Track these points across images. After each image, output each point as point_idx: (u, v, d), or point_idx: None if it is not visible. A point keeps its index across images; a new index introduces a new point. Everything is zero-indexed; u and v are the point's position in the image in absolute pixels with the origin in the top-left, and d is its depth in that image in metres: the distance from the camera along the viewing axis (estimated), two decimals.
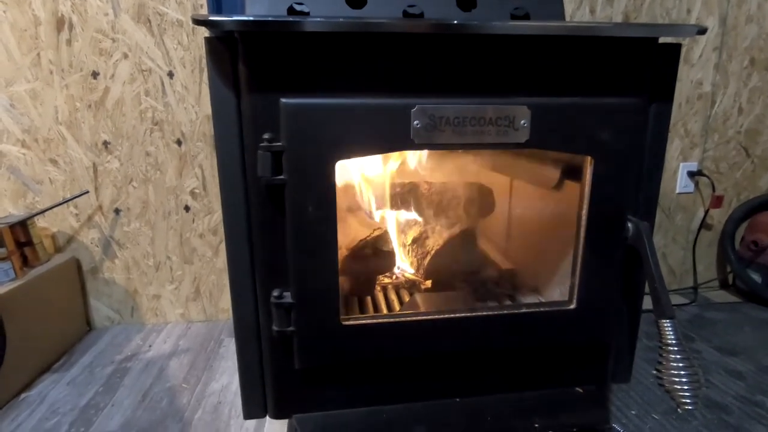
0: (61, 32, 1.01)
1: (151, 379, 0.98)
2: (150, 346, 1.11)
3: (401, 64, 0.55)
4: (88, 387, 0.96)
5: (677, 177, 1.32)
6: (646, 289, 0.65)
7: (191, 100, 1.08)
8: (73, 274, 1.12)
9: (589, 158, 0.61)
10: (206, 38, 0.53)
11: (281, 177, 0.54)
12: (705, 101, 1.27)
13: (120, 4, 1.01)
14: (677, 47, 0.61)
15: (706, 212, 1.35)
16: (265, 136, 0.53)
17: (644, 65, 0.60)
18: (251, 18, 0.50)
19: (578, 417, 0.66)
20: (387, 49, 0.54)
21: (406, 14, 0.69)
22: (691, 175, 1.31)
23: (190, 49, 1.06)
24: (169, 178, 1.12)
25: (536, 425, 0.63)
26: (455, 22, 0.53)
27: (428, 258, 0.78)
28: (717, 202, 1.33)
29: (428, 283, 0.81)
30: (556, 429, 0.63)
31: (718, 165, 1.33)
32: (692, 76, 1.25)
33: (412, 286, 0.82)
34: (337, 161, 0.55)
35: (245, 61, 0.52)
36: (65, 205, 1.10)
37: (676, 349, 0.55)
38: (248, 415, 0.65)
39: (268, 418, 0.83)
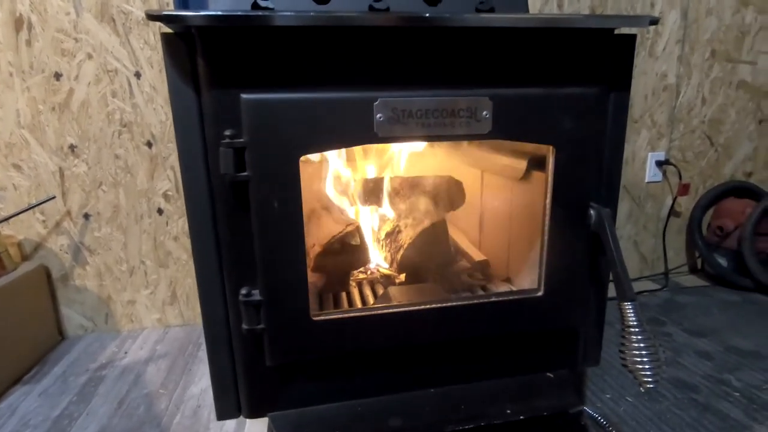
0: (20, 32, 0.98)
1: (127, 386, 0.96)
2: (126, 352, 1.09)
3: (364, 57, 0.55)
4: (61, 397, 0.93)
5: (646, 167, 1.36)
6: None
7: (160, 101, 1.06)
8: (42, 283, 1.09)
9: (551, 148, 0.62)
10: (163, 34, 0.52)
11: (245, 173, 0.54)
12: (670, 92, 1.31)
13: (82, 3, 0.99)
14: (633, 37, 0.63)
15: (674, 200, 1.39)
16: (227, 132, 0.53)
17: (602, 55, 0.62)
18: (212, 13, 0.49)
19: (549, 401, 0.67)
20: (350, 44, 0.54)
21: (372, 9, 0.69)
22: (659, 164, 1.35)
23: (157, 49, 1.04)
24: (140, 181, 1.10)
25: (508, 411, 0.64)
26: (427, 15, 0.54)
27: (401, 252, 0.78)
28: (684, 190, 1.38)
29: (402, 277, 0.82)
30: (528, 413, 0.64)
31: (684, 154, 1.38)
32: (657, 68, 1.29)
33: (386, 280, 0.83)
34: (300, 156, 0.54)
35: (204, 57, 0.52)
36: (31, 211, 1.06)
37: (637, 330, 0.57)
38: (221, 415, 0.64)
39: (247, 419, 0.82)
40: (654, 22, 0.59)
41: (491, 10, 0.74)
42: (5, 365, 0.97)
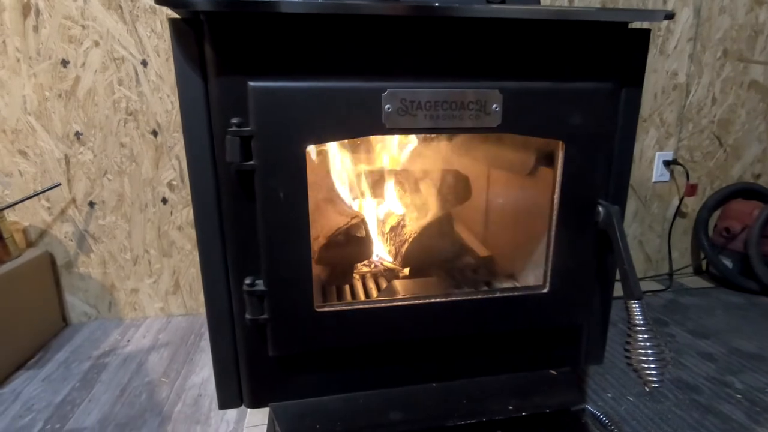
0: (28, 18, 0.98)
1: (129, 374, 0.97)
2: (128, 340, 1.09)
3: (374, 47, 0.55)
4: (64, 383, 0.94)
5: (653, 166, 1.34)
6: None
7: (167, 90, 1.06)
8: (47, 269, 1.09)
9: (560, 143, 0.61)
10: (171, 19, 0.52)
11: (251, 162, 0.53)
12: (680, 91, 1.30)
13: None
14: (647, 32, 0.62)
15: (681, 200, 1.38)
16: (234, 120, 0.52)
17: (615, 50, 0.61)
18: None
19: (551, 398, 0.67)
20: (360, 32, 0.54)
21: None
22: (667, 164, 1.34)
23: (164, 37, 1.03)
24: (145, 170, 1.10)
25: (510, 407, 0.64)
26: (436, 5, 0.53)
27: (406, 246, 0.78)
28: (691, 190, 1.36)
29: (406, 271, 0.81)
30: (530, 410, 0.64)
31: (692, 154, 1.36)
32: (668, 66, 1.27)
33: (390, 273, 0.82)
34: (307, 146, 0.54)
35: (211, 43, 0.51)
36: (37, 198, 1.07)
37: (643, 329, 0.56)
38: (223, 404, 0.64)
39: (248, 409, 0.83)
40: (669, 16, 0.58)
41: (502, 2, 0.73)
42: (9, 350, 0.97)
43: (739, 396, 0.88)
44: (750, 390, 0.90)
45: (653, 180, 1.35)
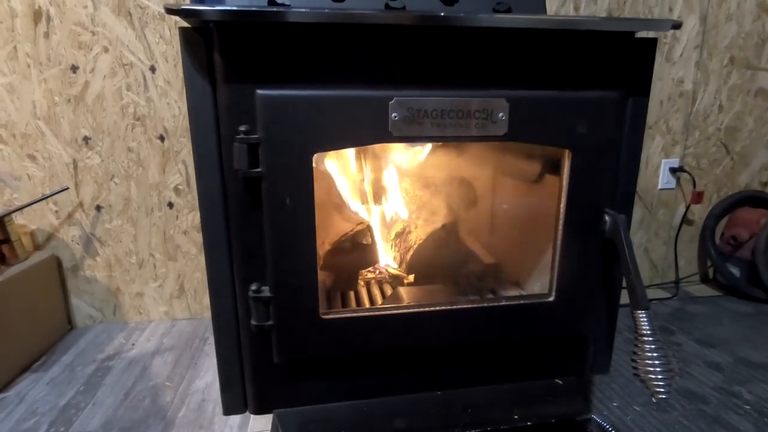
0: (39, 24, 0.99)
1: (133, 378, 0.97)
2: (133, 344, 1.10)
3: (380, 56, 0.55)
4: (69, 386, 0.94)
5: (659, 173, 1.34)
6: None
7: (174, 95, 1.07)
8: (53, 273, 1.10)
9: (567, 151, 0.61)
10: (181, 28, 0.53)
11: (258, 169, 0.54)
12: (686, 99, 1.29)
13: None
14: (654, 42, 0.62)
15: (687, 208, 1.37)
16: (242, 128, 0.53)
17: (621, 59, 0.61)
18: (229, 8, 0.49)
19: (557, 408, 0.66)
20: (367, 41, 0.54)
21: (387, 7, 0.68)
22: (673, 171, 1.33)
23: (173, 43, 1.04)
24: (152, 175, 1.10)
25: (515, 416, 0.64)
26: (442, 14, 0.53)
27: (411, 252, 0.78)
28: (698, 197, 1.35)
29: (411, 278, 0.81)
30: (535, 420, 0.63)
31: (699, 161, 1.36)
32: (674, 74, 1.27)
33: (395, 280, 0.82)
34: (314, 153, 0.54)
35: (221, 52, 0.52)
36: (44, 201, 1.08)
37: (650, 339, 0.56)
38: (228, 410, 0.64)
39: (252, 414, 0.82)
40: (677, 26, 0.58)
41: (508, 11, 0.73)
42: (15, 353, 0.98)
43: (747, 407, 0.87)
44: (758, 400, 0.88)
45: (659, 187, 1.35)
